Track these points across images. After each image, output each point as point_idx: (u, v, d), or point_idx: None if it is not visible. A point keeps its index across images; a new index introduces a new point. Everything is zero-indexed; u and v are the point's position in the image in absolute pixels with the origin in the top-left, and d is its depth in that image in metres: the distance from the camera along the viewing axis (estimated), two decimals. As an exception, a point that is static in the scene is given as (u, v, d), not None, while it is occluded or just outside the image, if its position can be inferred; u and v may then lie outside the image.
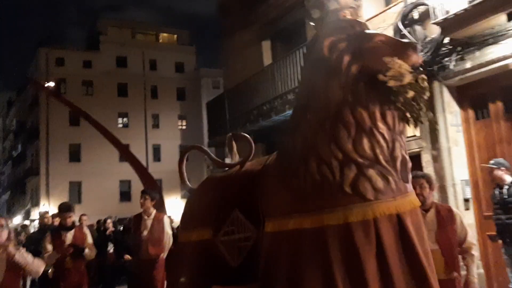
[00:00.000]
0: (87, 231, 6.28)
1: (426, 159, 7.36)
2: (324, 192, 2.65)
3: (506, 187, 5.75)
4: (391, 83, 2.56)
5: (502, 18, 5.98)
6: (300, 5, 9.77)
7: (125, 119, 43.55)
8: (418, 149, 7.53)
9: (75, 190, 40.82)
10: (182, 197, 34.14)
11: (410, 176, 2.80)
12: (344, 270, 2.54)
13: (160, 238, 6.04)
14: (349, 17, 2.87)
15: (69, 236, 5.87)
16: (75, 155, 41.12)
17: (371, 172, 2.63)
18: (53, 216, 8.24)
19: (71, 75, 42.44)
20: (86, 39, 48.64)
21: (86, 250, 5.89)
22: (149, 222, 6.09)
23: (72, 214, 6.10)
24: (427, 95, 2.66)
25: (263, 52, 11.56)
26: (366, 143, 2.64)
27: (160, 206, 6.66)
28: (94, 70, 43.43)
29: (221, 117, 11.92)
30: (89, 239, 6.09)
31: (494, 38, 6.39)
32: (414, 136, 7.72)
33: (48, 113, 40.35)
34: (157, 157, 41.92)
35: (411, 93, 2.56)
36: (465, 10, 6.24)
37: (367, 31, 2.86)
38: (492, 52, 6.45)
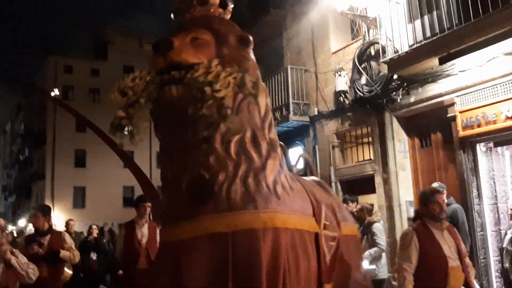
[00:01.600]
0: (65, 235, 5.77)
1: (378, 181, 8.21)
2: None
3: (442, 208, 6.59)
4: None
5: (435, 61, 6.83)
6: (278, 36, 10.74)
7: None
8: (371, 172, 8.39)
9: (80, 195, 41.79)
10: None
11: (209, 194, 2.55)
12: None
13: (157, 247, 5.35)
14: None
15: (43, 242, 5.37)
16: (80, 161, 42.05)
17: (164, 198, 2.80)
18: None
19: (78, 82, 43.55)
20: (94, 48, 49.89)
21: (63, 252, 5.39)
22: (145, 230, 5.64)
23: (48, 217, 5.64)
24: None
25: (247, 75, 12.46)
26: (163, 165, 2.81)
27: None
28: (102, 78, 44.43)
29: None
30: (68, 242, 5.59)
31: (433, 77, 7.26)
32: (370, 159, 8.57)
33: (55, 119, 41.26)
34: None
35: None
36: (406, 52, 7.12)
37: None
38: (431, 89, 7.32)
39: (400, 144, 8.01)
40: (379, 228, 6.39)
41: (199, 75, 2.40)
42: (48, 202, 41.05)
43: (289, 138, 10.10)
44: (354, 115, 8.72)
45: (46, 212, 5.73)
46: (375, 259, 6.20)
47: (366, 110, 8.37)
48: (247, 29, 9.84)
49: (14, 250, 4.32)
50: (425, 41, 6.82)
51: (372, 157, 8.46)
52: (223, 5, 3.00)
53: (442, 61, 6.77)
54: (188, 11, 2.91)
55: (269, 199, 2.54)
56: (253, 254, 2.40)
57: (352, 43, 8.91)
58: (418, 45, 6.94)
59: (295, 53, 10.47)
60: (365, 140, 8.77)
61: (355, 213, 6.51)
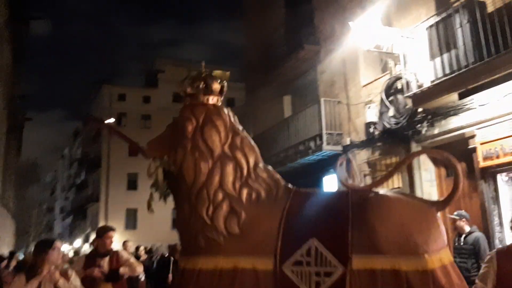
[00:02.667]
0: (122, 253, 5.77)
1: (406, 209, 8.58)
2: None
3: (464, 235, 6.94)
4: None
5: (455, 96, 7.27)
6: (312, 68, 11.41)
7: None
8: (400, 200, 8.78)
9: (132, 217, 43.33)
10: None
11: None
12: None
13: None
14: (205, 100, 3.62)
15: (103, 264, 5.37)
16: (132, 184, 43.65)
17: None
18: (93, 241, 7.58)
19: (131, 109, 45.61)
20: (145, 76, 52.32)
21: (122, 270, 5.40)
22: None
23: (111, 235, 5.56)
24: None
25: (284, 106, 13.21)
26: None
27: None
28: (152, 105, 46.41)
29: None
30: (125, 257, 5.62)
31: (454, 110, 7.68)
32: (399, 187, 8.98)
33: (109, 144, 43.04)
34: (207, 187, 43.76)
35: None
36: (428, 87, 7.59)
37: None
38: (453, 122, 7.73)
39: (427, 174, 8.40)
40: None
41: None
42: (102, 224, 42.89)
43: (323, 166, 10.66)
44: (383, 145, 9.19)
45: (105, 232, 5.65)
46: None
47: (394, 140, 8.84)
48: (283, 63, 10.64)
49: (69, 272, 4.42)
50: (445, 78, 7.28)
51: (401, 186, 8.86)
52: (221, 92, 3.63)
53: (461, 96, 7.21)
54: (195, 96, 3.54)
55: None
56: None
57: (380, 77, 9.43)
58: (438, 81, 7.40)
59: (328, 86, 11.09)
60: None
61: None
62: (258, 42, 14.08)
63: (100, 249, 5.50)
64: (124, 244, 10.65)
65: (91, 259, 5.45)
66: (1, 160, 27.24)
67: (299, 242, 3.01)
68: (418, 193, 8.38)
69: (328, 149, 10.24)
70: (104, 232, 5.62)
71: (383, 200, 3.04)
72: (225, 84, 3.64)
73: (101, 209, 43.35)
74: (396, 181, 9.14)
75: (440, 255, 2.86)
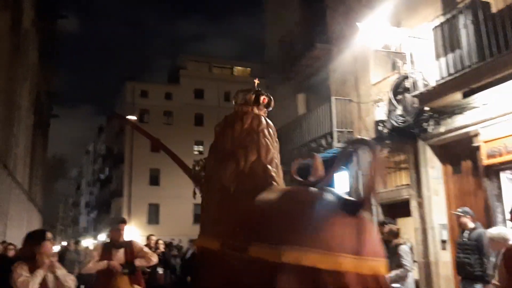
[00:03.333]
0: (137, 243, 5.88)
1: (413, 205, 8.79)
2: None
3: (468, 232, 7.11)
4: None
5: (459, 95, 7.42)
6: (324, 67, 11.62)
7: (200, 147, 46.48)
8: (407, 196, 8.98)
9: (154, 211, 44.18)
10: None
11: None
12: None
13: None
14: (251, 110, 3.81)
15: (119, 255, 5.50)
16: (154, 179, 44.51)
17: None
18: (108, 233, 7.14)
19: (153, 106, 46.32)
20: (167, 73, 53.09)
21: (137, 261, 5.54)
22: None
23: (121, 227, 5.69)
24: None
25: (298, 104, 13.45)
26: None
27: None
28: (174, 101, 47.05)
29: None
30: (141, 247, 5.77)
31: (459, 109, 7.83)
32: (407, 184, 9.17)
33: (132, 141, 43.82)
34: (229, 181, 44.28)
35: None
36: (433, 87, 7.76)
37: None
38: (458, 120, 7.89)
39: (434, 171, 8.56)
40: (405, 250, 6.96)
41: None
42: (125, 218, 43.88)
43: (330, 164, 10.87)
44: (392, 143, 9.36)
45: (119, 223, 5.80)
46: (400, 279, 6.79)
47: (402, 138, 9.01)
48: (298, 62, 10.88)
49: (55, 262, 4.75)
50: (449, 77, 7.44)
51: (408, 183, 9.04)
52: (268, 105, 3.98)
53: (465, 95, 7.35)
54: (257, 107, 3.86)
55: None
56: None
57: (389, 76, 9.60)
58: (443, 81, 7.56)
59: (339, 84, 11.29)
60: (403, 166, 9.37)
61: (383, 236, 7.16)
62: (276, 39, 14.32)
63: (115, 240, 5.61)
64: (148, 238, 10.78)
65: (107, 250, 5.54)
66: (28, 156, 28.15)
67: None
68: (425, 190, 8.57)
69: (338, 146, 10.44)
70: (116, 224, 5.79)
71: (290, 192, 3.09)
72: (272, 98, 3.98)
73: (125, 204, 44.20)
74: (404, 179, 9.32)
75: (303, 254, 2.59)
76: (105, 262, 5.35)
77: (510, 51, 6.49)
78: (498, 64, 6.64)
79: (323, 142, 10.76)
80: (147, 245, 10.28)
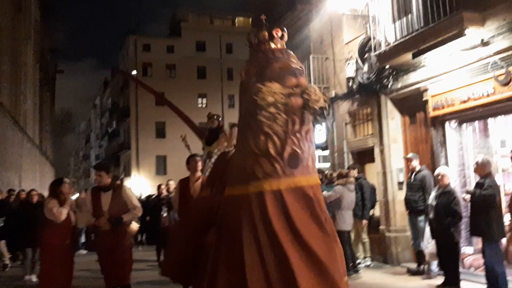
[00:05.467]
0: (125, 188, 6.22)
1: (377, 152, 9.98)
2: (241, 172, 3.72)
3: (414, 173, 8.35)
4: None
5: (409, 55, 8.43)
6: (306, 26, 12.52)
7: (204, 100, 47.19)
8: (372, 144, 10.16)
9: (161, 163, 45.60)
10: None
11: (299, 164, 3.59)
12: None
13: None
14: (268, 47, 3.86)
15: (105, 197, 5.85)
16: (160, 132, 45.54)
17: (262, 160, 3.60)
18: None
19: (156, 60, 46.70)
20: (169, 26, 53.15)
21: (125, 217, 5.90)
22: (197, 186, 6.12)
23: (103, 173, 5.93)
24: (320, 103, 3.50)
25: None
26: (262, 140, 3.56)
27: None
28: (176, 55, 47.27)
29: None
30: (128, 194, 6.07)
31: (413, 67, 8.85)
32: (371, 134, 10.32)
33: (137, 95, 44.33)
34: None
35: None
36: (389, 48, 8.76)
37: (272, 58, 3.77)
38: (411, 77, 8.93)
39: (393, 122, 9.69)
40: (338, 189, 8.60)
41: (313, 95, 3.53)
42: (134, 170, 45.38)
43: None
44: (360, 97, 10.45)
45: (109, 169, 6.08)
46: (330, 197, 8.35)
47: (368, 93, 10.08)
48: (281, 21, 11.86)
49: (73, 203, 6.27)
50: (401, 40, 8.44)
51: (373, 132, 10.19)
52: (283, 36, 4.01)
53: (414, 56, 8.36)
54: (273, 41, 3.92)
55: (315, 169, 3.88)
56: (320, 196, 3.77)
57: (358, 37, 10.53)
58: (396, 42, 8.56)
59: (318, 43, 12.24)
60: (369, 118, 10.48)
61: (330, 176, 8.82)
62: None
63: (101, 184, 5.96)
64: (167, 183, 11.34)
65: (96, 193, 5.96)
66: (36, 111, 29.38)
67: None
68: (386, 139, 9.73)
69: (315, 100, 11.51)
70: (96, 170, 6.34)
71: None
72: (284, 29, 4.03)
73: (133, 156, 45.63)
74: (370, 129, 10.46)
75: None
76: (92, 219, 5.86)
77: (449, 17, 7.44)
78: (439, 29, 7.61)
79: (303, 96, 11.84)
80: (160, 193, 11.44)
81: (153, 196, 15.28)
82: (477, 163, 6.78)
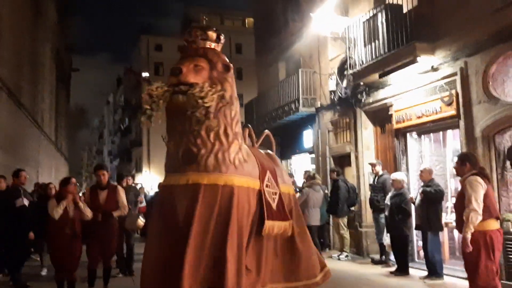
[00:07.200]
0: (119, 189, 6.97)
1: (353, 157, 11.37)
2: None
3: (377, 177, 9.73)
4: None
5: (376, 76, 9.81)
6: (297, 42, 13.92)
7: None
8: (349, 151, 11.55)
9: (171, 160, 47.02)
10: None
11: (194, 160, 3.90)
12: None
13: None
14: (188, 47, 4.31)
15: (102, 195, 6.69)
16: (171, 129, 47.02)
17: (168, 156, 4.16)
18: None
19: (168, 59, 47.67)
20: (181, 26, 54.55)
21: (115, 213, 6.77)
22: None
23: (106, 173, 6.79)
24: (206, 100, 3.84)
25: (279, 70, 15.88)
26: (168, 139, 4.14)
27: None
28: (187, 54, 48.65)
29: (252, 114, 16.39)
30: (121, 195, 6.86)
31: (381, 85, 10.22)
32: (349, 141, 11.70)
33: None
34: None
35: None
36: (361, 68, 10.13)
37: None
38: (380, 94, 10.31)
39: (366, 131, 11.07)
40: (305, 190, 10.05)
41: (196, 92, 3.82)
42: (145, 166, 46.81)
43: (301, 124, 13.48)
44: (340, 108, 11.83)
45: (107, 169, 7.05)
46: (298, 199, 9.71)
47: (346, 106, 11.47)
48: (278, 34, 13.39)
49: (80, 197, 6.71)
50: (370, 62, 9.81)
51: (350, 140, 11.58)
52: (218, 39, 4.37)
53: (380, 76, 9.77)
54: (194, 42, 4.27)
55: (229, 167, 3.97)
56: (214, 199, 3.86)
57: (339, 55, 11.90)
58: (366, 64, 9.94)
59: (307, 57, 13.63)
60: (347, 127, 11.86)
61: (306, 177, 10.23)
62: (263, 11, 16.65)
63: (99, 183, 6.79)
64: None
65: (94, 191, 6.83)
66: (52, 109, 30.85)
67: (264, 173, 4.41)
68: (360, 146, 11.12)
69: (303, 110, 12.97)
70: (96, 170, 7.03)
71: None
72: (221, 33, 4.35)
73: (144, 152, 47.05)
74: (348, 137, 11.83)
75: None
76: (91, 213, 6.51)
77: (405, 46, 8.81)
78: (398, 55, 8.98)
79: (293, 106, 13.27)
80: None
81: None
82: (423, 170, 8.18)
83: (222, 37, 4.39)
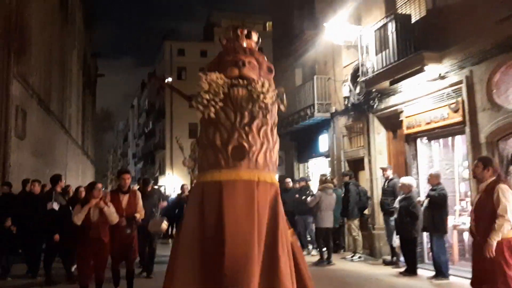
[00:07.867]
0: (138, 194, 7.07)
1: (366, 161, 11.72)
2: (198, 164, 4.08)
3: (388, 181, 10.07)
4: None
5: (387, 83, 10.16)
6: (312, 49, 14.33)
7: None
8: (363, 155, 11.90)
9: (194, 163, 47.85)
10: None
11: (245, 156, 3.71)
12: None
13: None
14: (232, 44, 4.16)
15: (124, 199, 6.74)
16: (193, 133, 47.25)
17: (208, 151, 3.82)
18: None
19: (190, 63, 48.81)
20: (203, 31, 55.52)
21: (137, 215, 6.80)
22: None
23: (129, 176, 6.94)
24: (267, 97, 3.73)
25: (296, 76, 16.30)
26: (211, 131, 3.81)
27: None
28: (210, 59, 47.08)
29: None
30: (140, 203, 6.94)
31: (393, 92, 10.55)
32: (362, 146, 12.05)
33: (172, 97, 46.64)
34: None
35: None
36: (373, 76, 10.49)
37: (226, 53, 4.07)
38: (391, 100, 10.64)
39: (379, 136, 11.41)
40: (318, 193, 10.41)
41: (258, 86, 3.75)
42: (168, 169, 47.71)
43: (316, 129, 13.89)
44: (354, 114, 12.20)
45: (131, 174, 7.27)
46: (311, 201, 10.33)
47: (359, 111, 11.83)
48: (295, 42, 13.94)
49: (108, 202, 6.44)
50: (381, 70, 10.16)
51: (364, 145, 11.93)
52: (258, 41, 4.40)
53: (391, 83, 10.11)
54: (238, 40, 4.21)
55: (274, 167, 3.95)
56: (265, 197, 3.78)
57: (353, 62, 12.26)
58: (377, 72, 10.29)
59: (322, 64, 14.03)
60: (361, 132, 12.21)
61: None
62: (282, 18, 17.11)
63: (121, 187, 6.89)
64: (182, 187, 13.26)
65: (115, 194, 6.88)
66: (79, 114, 31.90)
67: None
68: (373, 151, 11.46)
69: (318, 115, 13.37)
70: (120, 174, 7.21)
71: None
72: (251, 32, 4.29)
73: (167, 155, 47.82)
74: (362, 142, 12.18)
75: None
76: (118, 217, 6.58)
77: (413, 55, 9.15)
78: (406, 64, 9.33)
79: (308, 111, 13.68)
80: (183, 192, 13.24)
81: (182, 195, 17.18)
82: (430, 175, 8.51)
83: (260, 40, 4.43)
